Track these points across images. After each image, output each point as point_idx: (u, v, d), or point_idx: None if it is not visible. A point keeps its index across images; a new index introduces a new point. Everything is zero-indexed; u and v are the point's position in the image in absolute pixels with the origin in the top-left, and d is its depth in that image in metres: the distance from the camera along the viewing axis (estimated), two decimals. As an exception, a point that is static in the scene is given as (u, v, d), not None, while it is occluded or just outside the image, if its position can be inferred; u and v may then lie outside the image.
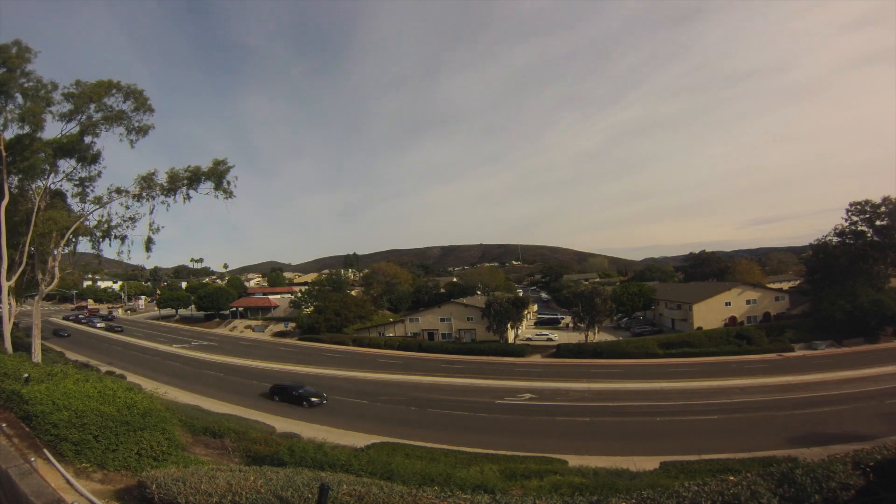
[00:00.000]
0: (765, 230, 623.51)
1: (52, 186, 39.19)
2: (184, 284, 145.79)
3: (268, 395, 40.27)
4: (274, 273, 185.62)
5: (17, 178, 36.70)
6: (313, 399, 37.96)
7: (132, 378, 38.46)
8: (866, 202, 62.03)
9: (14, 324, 38.56)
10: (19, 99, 33.93)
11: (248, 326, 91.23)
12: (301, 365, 55.55)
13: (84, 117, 36.35)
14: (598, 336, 61.59)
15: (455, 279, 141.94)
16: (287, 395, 38.83)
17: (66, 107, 35.56)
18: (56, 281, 39.02)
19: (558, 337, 66.28)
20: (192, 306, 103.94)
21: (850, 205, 63.04)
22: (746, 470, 6.57)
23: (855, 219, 62.97)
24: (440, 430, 31.73)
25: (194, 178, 39.29)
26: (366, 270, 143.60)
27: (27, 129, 34.40)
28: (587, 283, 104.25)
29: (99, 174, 40.08)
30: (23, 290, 43.17)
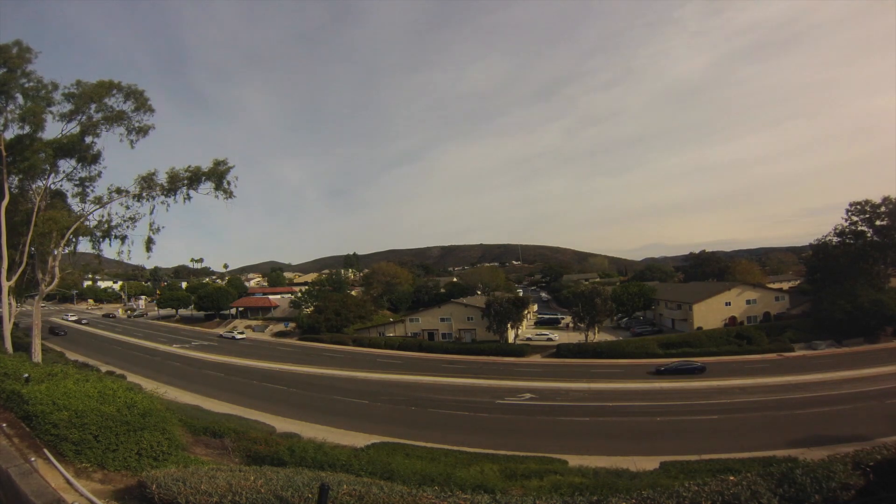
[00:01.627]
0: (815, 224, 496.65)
1: (53, 186, 39.18)
2: (184, 284, 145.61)
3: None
4: (274, 273, 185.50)
5: (17, 178, 36.67)
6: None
7: (132, 378, 38.45)
8: (866, 202, 61.96)
9: (14, 324, 38.53)
10: (20, 99, 33.91)
11: (248, 326, 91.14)
12: (301, 365, 55.52)
13: (84, 117, 36.31)
14: (598, 336, 61.55)
15: (455, 279, 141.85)
16: None
17: (67, 107, 35.55)
18: (56, 281, 38.96)
19: (558, 337, 66.24)
20: (192, 306, 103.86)
21: (851, 205, 62.98)
22: (746, 470, 6.57)
23: (855, 219, 62.89)
24: (440, 430, 31.71)
25: (194, 179, 39.23)
26: (366, 270, 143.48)
27: (28, 129, 34.37)
28: (587, 283, 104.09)
29: (99, 174, 40.03)
30: (23, 290, 43.14)
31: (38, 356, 36.03)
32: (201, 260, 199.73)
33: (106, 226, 40.53)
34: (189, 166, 39.37)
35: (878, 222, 61.37)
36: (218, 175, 39.18)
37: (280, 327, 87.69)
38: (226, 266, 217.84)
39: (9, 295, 35.31)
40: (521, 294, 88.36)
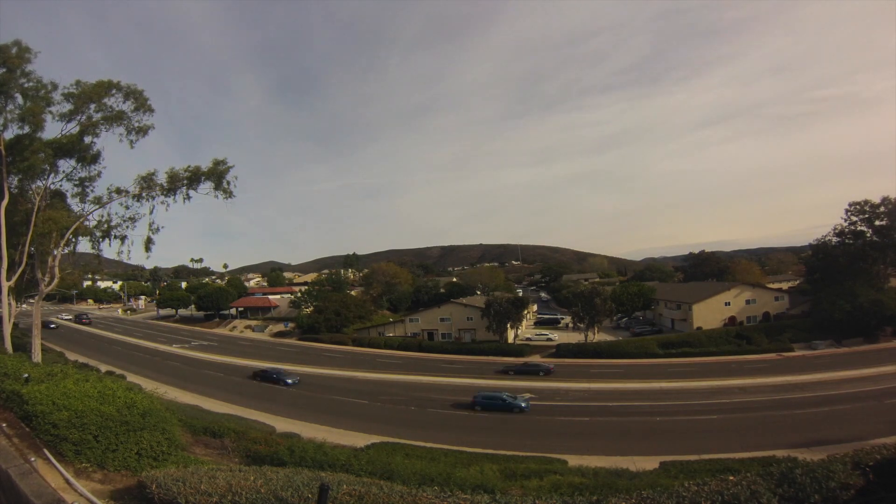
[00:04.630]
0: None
1: (52, 186, 39.08)
2: (184, 284, 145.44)
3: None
4: (274, 273, 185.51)
5: (16, 179, 36.58)
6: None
7: (132, 378, 38.41)
8: (865, 202, 61.98)
9: (14, 324, 38.50)
10: (19, 99, 33.78)
11: (247, 326, 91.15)
12: (301, 365, 55.48)
13: (84, 117, 36.23)
14: (598, 336, 61.56)
15: (455, 279, 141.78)
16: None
17: (66, 107, 35.43)
18: (56, 281, 38.92)
19: (558, 337, 66.22)
20: (192, 306, 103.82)
21: (850, 205, 62.99)
22: (746, 470, 6.58)
23: (854, 219, 62.90)
24: (440, 430, 31.73)
25: (194, 178, 39.20)
26: (366, 270, 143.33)
27: (27, 129, 34.27)
28: (587, 283, 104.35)
29: (99, 174, 39.93)
30: (23, 290, 43.08)
31: (37, 356, 36.01)
32: (201, 260, 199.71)
33: (106, 226, 40.54)
34: (189, 166, 39.44)
35: (877, 222, 61.40)
36: (217, 175, 39.16)
37: (280, 327, 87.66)
38: (225, 266, 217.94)
39: (9, 295, 35.26)
40: (520, 294, 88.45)
